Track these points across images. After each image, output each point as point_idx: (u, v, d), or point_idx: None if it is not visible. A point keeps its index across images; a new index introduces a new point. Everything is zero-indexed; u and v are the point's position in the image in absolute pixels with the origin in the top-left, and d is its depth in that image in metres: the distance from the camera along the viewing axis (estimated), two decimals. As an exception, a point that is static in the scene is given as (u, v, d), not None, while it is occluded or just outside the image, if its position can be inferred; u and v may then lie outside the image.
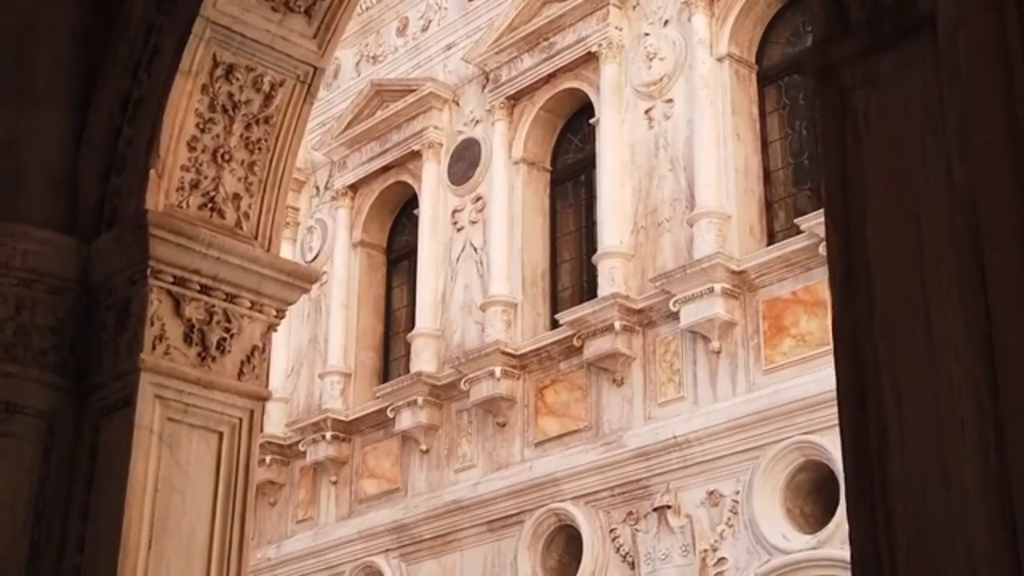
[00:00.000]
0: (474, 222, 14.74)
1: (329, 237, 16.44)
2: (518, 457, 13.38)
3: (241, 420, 4.04)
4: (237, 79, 4.17)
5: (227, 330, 4.07)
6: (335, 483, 15.29)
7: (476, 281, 14.45)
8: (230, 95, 4.15)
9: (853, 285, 1.99)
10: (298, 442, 15.53)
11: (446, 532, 13.74)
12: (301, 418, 15.58)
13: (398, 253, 16.26)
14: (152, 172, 4.00)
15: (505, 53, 14.63)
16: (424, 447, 14.33)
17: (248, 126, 4.18)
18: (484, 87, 15.02)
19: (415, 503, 14.16)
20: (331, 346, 15.70)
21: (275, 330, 4.31)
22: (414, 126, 15.57)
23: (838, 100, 2.06)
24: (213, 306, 4.08)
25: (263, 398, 4.15)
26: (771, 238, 12.32)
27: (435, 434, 14.31)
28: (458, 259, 14.78)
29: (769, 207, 12.59)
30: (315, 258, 16.56)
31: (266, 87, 4.26)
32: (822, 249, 11.13)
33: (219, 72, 4.13)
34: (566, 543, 12.75)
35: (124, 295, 4.06)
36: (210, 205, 4.14)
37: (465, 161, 15.01)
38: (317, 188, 17.01)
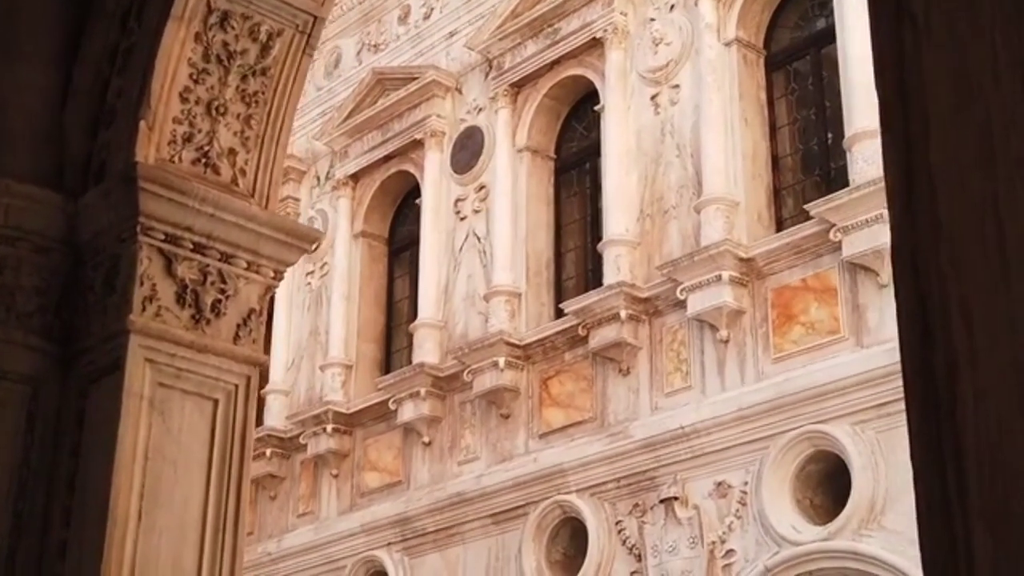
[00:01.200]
0: (477, 211, 14.53)
1: (330, 227, 16.23)
2: (522, 449, 13.17)
3: (237, 386, 3.82)
4: (232, 27, 3.95)
5: (222, 291, 3.85)
6: (336, 476, 15.09)
7: (479, 271, 14.24)
8: (225, 44, 3.93)
9: (915, 208, 1.78)
10: (299, 435, 15.32)
11: (449, 525, 13.53)
12: (302, 411, 15.37)
13: (400, 243, 16.06)
14: (142, 124, 3.78)
15: (508, 40, 14.43)
16: (426, 439, 14.13)
17: (244, 78, 3.96)
18: (487, 75, 14.81)
19: (417, 496, 13.95)
20: (332, 338, 15.50)
21: (273, 293, 4.09)
22: (416, 115, 15.37)
23: (893, 1, 1.85)
24: (207, 266, 3.86)
25: (260, 364, 3.93)
26: (779, 225, 12.11)
27: (438, 426, 14.11)
28: (461, 249, 14.58)
29: (777, 194, 12.38)
30: (316, 249, 16.34)
31: (263, 37, 4.03)
32: (832, 235, 10.95)
33: (213, 19, 3.91)
34: (571, 536, 12.54)
35: (112, 254, 3.84)
36: (204, 160, 3.91)
37: (468, 150, 14.81)
38: (318, 178, 16.80)
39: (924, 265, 1.78)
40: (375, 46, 16.59)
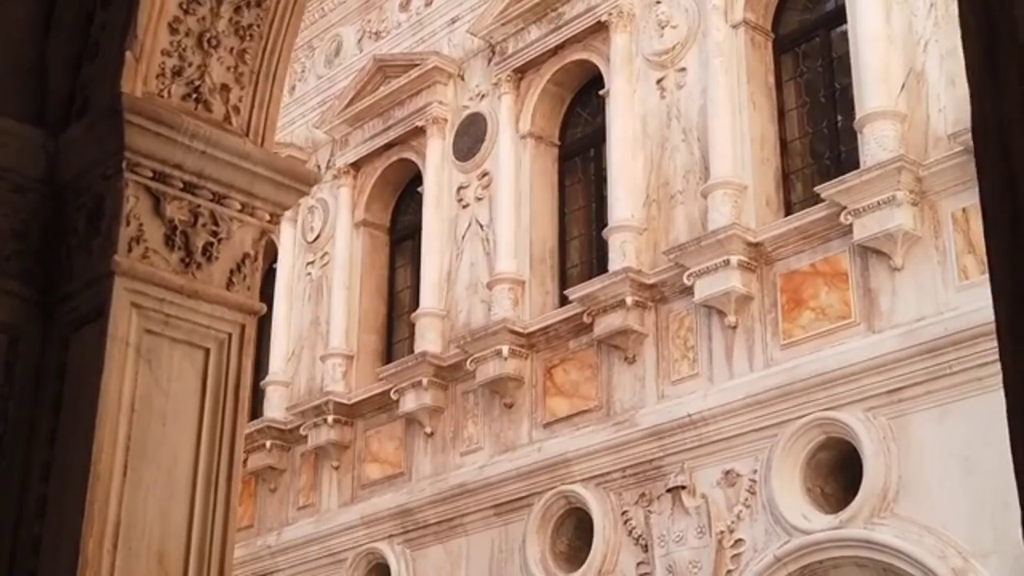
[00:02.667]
0: (480, 199, 14.30)
1: (331, 217, 16.01)
2: (526, 439, 12.94)
3: (230, 335, 3.58)
4: (225, -46, 3.73)
5: (214, 234, 3.62)
6: (337, 468, 14.86)
7: (482, 259, 14.02)
8: (216, -28, 3.70)
9: (1000, 80, 1.55)
10: (299, 426, 15.09)
11: (452, 517, 13.30)
12: (302, 402, 15.14)
13: (402, 233, 15.83)
14: (128, 55, 3.54)
15: (511, 25, 14.20)
16: (429, 430, 13.90)
17: (238, 9, 3.72)
18: (490, 60, 14.59)
19: (420, 487, 13.72)
20: (333, 328, 15.27)
21: (269, 237, 3.85)
22: (418, 102, 15.15)
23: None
24: (198, 206, 3.62)
25: (255, 312, 3.68)
26: (788, 210, 11.88)
27: (440, 416, 13.88)
28: (464, 237, 14.35)
29: (786, 178, 12.16)
30: (316, 239, 16.15)
31: (258, -36, 3.81)
32: (842, 218, 10.72)
33: (204, -54, 3.68)
34: (576, 526, 12.31)
35: (96, 193, 3.60)
36: (195, 96, 3.67)
37: (470, 136, 14.58)
38: (318, 167, 16.55)
39: (1015, 144, 1.55)
40: (376, 33, 16.37)
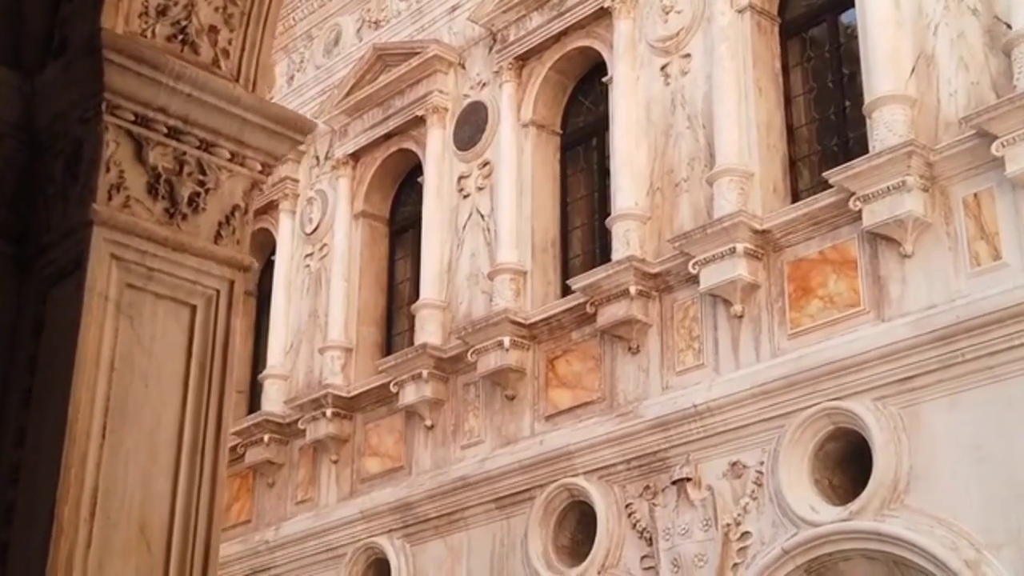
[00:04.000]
0: (481, 188, 14.09)
1: (330, 208, 15.80)
2: (528, 431, 12.72)
3: (218, 292, 3.36)
4: None
5: (201, 183, 3.39)
6: (336, 462, 14.65)
7: (483, 249, 13.80)
8: (204, -97, 3.48)
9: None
10: (297, 420, 14.87)
11: (452, 511, 13.08)
12: (300, 395, 14.91)
13: (401, 224, 15.61)
14: (109, -10, 3.34)
15: (513, 12, 13.99)
16: (429, 423, 13.68)
17: (227, -55, 3.52)
18: (491, 48, 14.38)
19: (420, 481, 13.50)
20: (332, 320, 15.06)
21: (261, 189, 3.64)
22: (418, 91, 14.93)
23: None
24: (184, 153, 3.40)
25: (245, 267, 3.45)
26: (795, 197, 11.66)
27: (440, 409, 13.66)
28: (464, 227, 14.13)
29: (793, 165, 11.94)
30: (315, 230, 15.94)
31: None
32: (851, 204, 10.50)
33: None
34: (579, 520, 12.09)
35: (74, 138, 3.37)
36: (181, 37, 3.44)
37: (471, 125, 14.36)
38: (317, 158, 16.37)
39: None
40: (375, 22, 16.16)
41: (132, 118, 3.32)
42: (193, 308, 3.31)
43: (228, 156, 3.47)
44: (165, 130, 3.35)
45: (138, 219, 3.27)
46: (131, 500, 3.07)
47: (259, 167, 3.55)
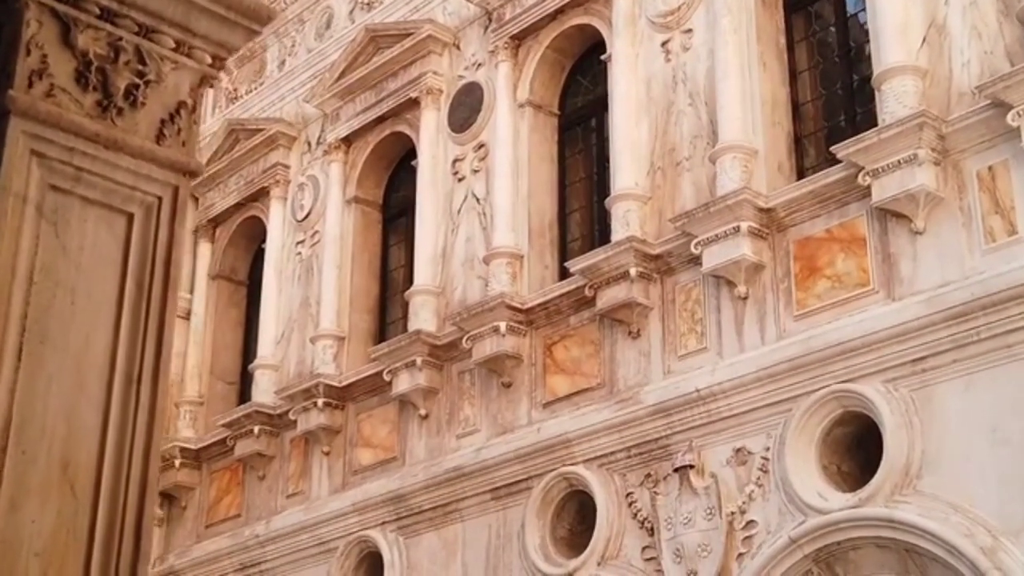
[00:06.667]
0: (476, 171, 13.68)
1: (321, 194, 15.40)
2: (525, 419, 12.31)
3: (160, 199, 2.93)
4: None
5: (140, 74, 2.97)
6: (328, 454, 14.24)
7: (479, 233, 13.39)
8: None
9: None
10: (288, 411, 14.46)
11: (447, 502, 12.67)
12: (291, 385, 14.50)
13: (395, 210, 15.20)
14: None
15: (510, -11, 13.59)
16: (423, 412, 13.26)
17: None
18: (486, 28, 13.97)
19: (413, 472, 13.09)
20: (323, 309, 14.65)
21: (211, 85, 3.22)
22: (411, 72, 14.53)
23: None
24: (120, 39, 2.97)
25: (192, 172, 3.01)
26: (801, 175, 11.25)
27: (435, 398, 13.25)
28: (459, 211, 13.72)
29: (798, 142, 11.54)
30: (307, 217, 15.54)
31: None
32: (860, 180, 10.09)
33: None
34: (578, 510, 11.68)
35: (-9, 18, 2.98)
36: (116, -100, 3.05)
37: (466, 106, 13.96)
38: (308, 143, 15.97)
39: None
40: (368, 4, 15.76)
41: (59, -5, 2.91)
42: (130, 216, 2.89)
43: (172, 45, 3.04)
44: (98, 11, 2.91)
45: (64, 111, 2.83)
46: (52, 433, 2.65)
47: (209, 59, 3.12)
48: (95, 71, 2.90)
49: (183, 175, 2.98)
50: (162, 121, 3.00)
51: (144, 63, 2.98)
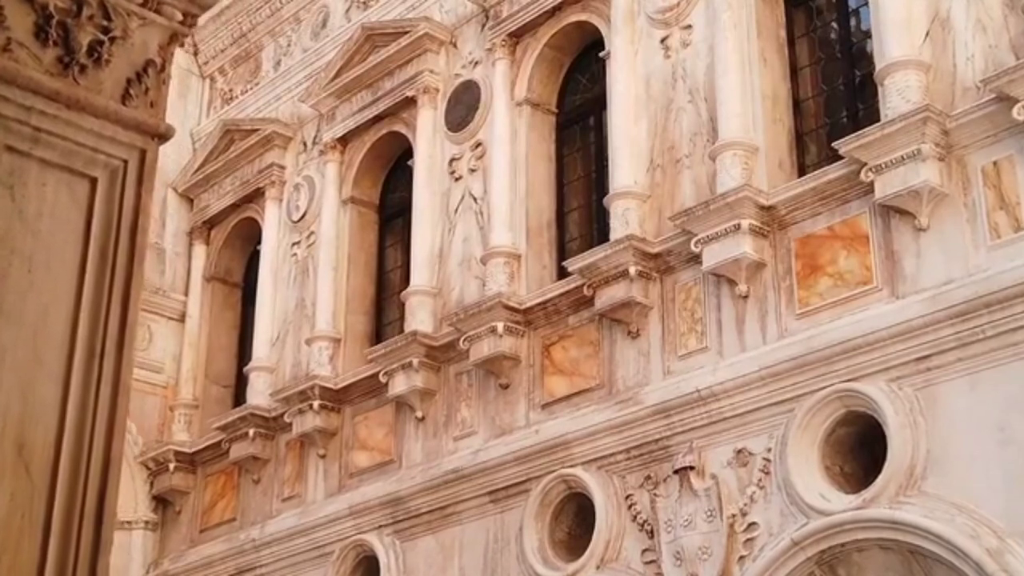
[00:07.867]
0: (473, 170, 13.52)
1: (317, 194, 15.24)
2: (523, 421, 12.14)
3: (126, 163, 2.76)
4: None
5: (105, 30, 2.80)
6: (324, 457, 14.06)
7: (476, 233, 13.23)
8: None
9: None
10: (283, 413, 14.29)
11: (444, 505, 12.49)
12: (287, 387, 14.32)
13: (392, 210, 15.03)
14: None
15: (507, -14, 13.44)
16: (420, 414, 13.09)
17: None
18: (484, 25, 13.82)
19: (410, 475, 12.91)
20: (319, 310, 14.48)
21: (182, 43, 3.05)
22: (408, 71, 14.37)
23: None
24: None
25: (160, 134, 2.83)
26: (802, 173, 11.08)
27: (431, 400, 13.07)
28: (456, 211, 13.56)
29: (799, 139, 11.38)
30: (302, 218, 15.38)
31: None
32: (862, 176, 9.93)
33: None
34: (577, 512, 11.50)
35: (-60, -34, 2.80)
36: None
37: (464, 105, 13.80)
38: (304, 144, 15.81)
39: None
40: (364, 2, 15.61)
41: (15, -56, 2.75)
42: (93, 181, 2.71)
43: (140, 0, 2.89)
44: (58, -39, 2.77)
45: (21, 67, 2.66)
46: (6, 411, 2.47)
47: (180, 16, 2.94)
48: (56, 25, 2.72)
49: (151, 138, 2.81)
50: (128, 80, 2.82)
51: (109, 18, 2.81)
